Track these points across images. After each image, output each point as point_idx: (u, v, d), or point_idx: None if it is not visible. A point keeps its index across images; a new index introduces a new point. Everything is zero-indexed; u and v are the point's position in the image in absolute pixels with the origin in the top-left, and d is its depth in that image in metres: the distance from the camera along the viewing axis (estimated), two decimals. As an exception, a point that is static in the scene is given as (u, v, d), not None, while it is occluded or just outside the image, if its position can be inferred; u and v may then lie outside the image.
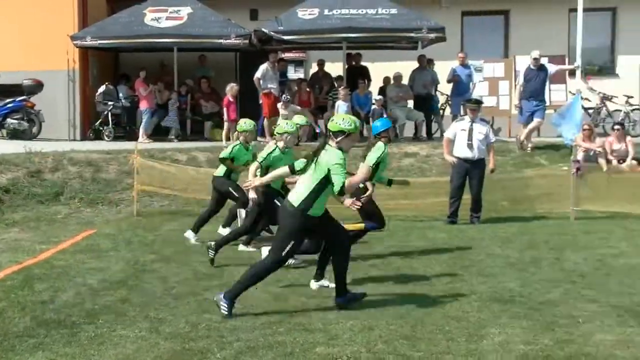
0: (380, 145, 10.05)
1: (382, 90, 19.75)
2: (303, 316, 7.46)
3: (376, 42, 20.20)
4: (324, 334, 6.87)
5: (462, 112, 17.72)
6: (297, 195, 7.55)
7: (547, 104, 18.00)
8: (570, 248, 11.00)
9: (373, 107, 18.89)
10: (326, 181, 7.49)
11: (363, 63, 20.62)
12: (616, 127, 16.06)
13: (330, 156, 7.48)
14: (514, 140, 17.31)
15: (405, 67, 19.80)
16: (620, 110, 19.82)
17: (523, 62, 18.72)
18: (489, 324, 7.15)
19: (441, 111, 20.23)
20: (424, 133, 19.35)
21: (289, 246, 7.51)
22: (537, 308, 7.72)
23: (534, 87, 17.24)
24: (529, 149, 17.18)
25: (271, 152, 9.97)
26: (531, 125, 17.18)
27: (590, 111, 19.87)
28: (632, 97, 20.53)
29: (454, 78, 19.03)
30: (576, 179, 13.94)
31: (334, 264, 7.94)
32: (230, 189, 11.34)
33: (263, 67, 18.36)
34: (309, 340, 6.66)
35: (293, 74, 24.37)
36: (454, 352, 6.39)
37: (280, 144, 10.01)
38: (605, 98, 20.05)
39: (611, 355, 6.29)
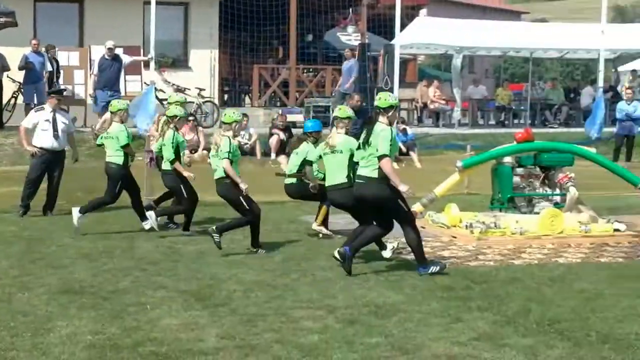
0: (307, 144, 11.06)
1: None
2: None
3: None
4: None
5: (35, 101, 17.26)
6: (376, 172, 8.56)
7: (123, 94, 18.14)
8: (142, 236, 11.19)
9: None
10: None
11: None
12: (189, 118, 16.66)
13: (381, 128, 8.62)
14: (89, 130, 17.17)
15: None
16: (193, 102, 20.56)
17: (98, 52, 18.67)
18: (57, 317, 7.03)
19: (13, 99, 19.42)
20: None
21: (404, 205, 8.66)
22: (107, 297, 7.76)
23: (109, 76, 17.32)
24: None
25: (231, 144, 9.90)
26: (106, 116, 17.14)
27: (165, 102, 20.34)
28: (204, 89, 21.42)
29: (26, 65, 18.38)
30: (150, 169, 14.20)
31: (411, 241, 8.80)
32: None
33: None
34: None
35: None
36: (19, 347, 6.19)
37: (230, 133, 10.06)
38: (179, 90, 20.65)
39: (176, 338, 6.50)
